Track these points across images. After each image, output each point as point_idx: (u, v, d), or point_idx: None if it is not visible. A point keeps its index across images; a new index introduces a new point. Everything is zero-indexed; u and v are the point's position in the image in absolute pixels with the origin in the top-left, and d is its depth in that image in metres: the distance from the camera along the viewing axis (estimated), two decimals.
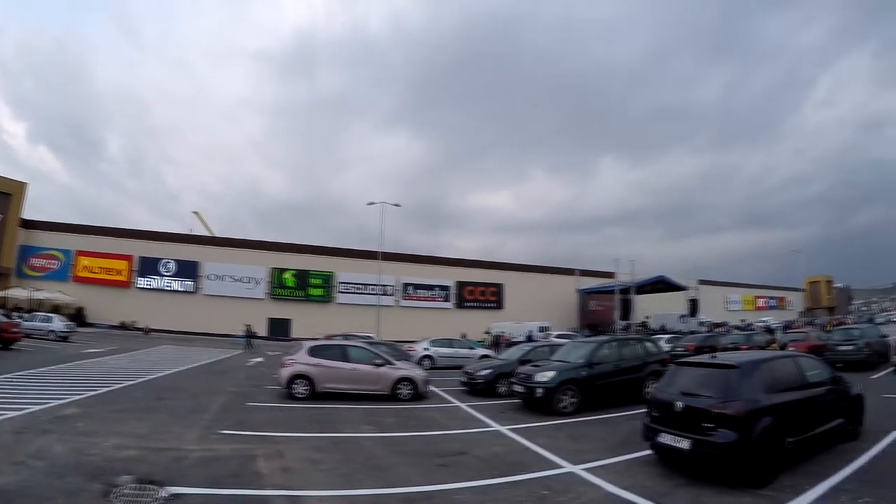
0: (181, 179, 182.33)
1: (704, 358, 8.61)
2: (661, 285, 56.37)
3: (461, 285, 60.29)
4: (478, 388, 15.67)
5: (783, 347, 13.28)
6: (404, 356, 19.95)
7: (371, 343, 19.81)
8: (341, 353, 14.66)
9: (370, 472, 7.19)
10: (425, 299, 58.21)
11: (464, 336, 32.75)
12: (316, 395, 13.55)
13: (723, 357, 8.29)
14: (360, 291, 54.28)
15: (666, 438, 7.17)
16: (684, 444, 6.85)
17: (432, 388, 15.82)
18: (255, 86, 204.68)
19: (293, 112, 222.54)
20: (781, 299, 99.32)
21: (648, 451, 7.84)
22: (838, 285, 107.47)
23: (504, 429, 10.45)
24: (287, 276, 53.34)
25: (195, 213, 77.54)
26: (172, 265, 50.95)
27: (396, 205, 45.53)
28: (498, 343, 34.56)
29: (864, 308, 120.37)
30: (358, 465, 7.53)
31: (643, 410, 8.39)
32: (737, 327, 50.25)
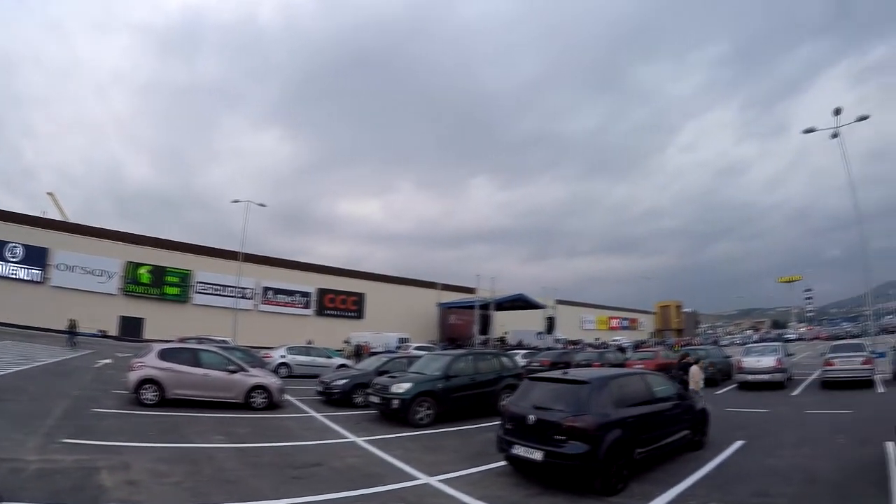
0: (41, 156, 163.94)
1: (557, 373, 9.13)
2: (520, 303, 58.96)
3: (322, 292, 58.91)
4: (334, 399, 15.58)
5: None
6: (260, 363, 19.35)
7: (226, 348, 18.97)
8: (193, 358, 13.95)
9: (220, 485, 7.03)
10: (285, 305, 56.15)
11: (310, 343, 31.97)
12: (166, 402, 12.86)
13: (574, 373, 8.91)
14: (218, 293, 51.11)
15: (520, 450, 7.54)
16: (537, 455, 7.24)
17: (288, 397, 15.60)
18: (133, 60, 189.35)
19: (168, 94, 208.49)
20: (634, 320, 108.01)
21: (503, 463, 8.28)
22: (687, 310, 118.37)
23: (360, 440, 10.56)
24: (142, 271, 48.67)
25: (50, 194, 69.57)
26: (20, 250, 44.11)
27: (262, 205, 43.70)
28: (360, 353, 34.31)
29: (710, 331, 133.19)
30: (207, 477, 7.33)
31: (497, 423, 8.74)
32: (591, 345, 53.75)
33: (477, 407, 13.75)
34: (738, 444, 10.18)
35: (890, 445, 8.71)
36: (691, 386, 13.74)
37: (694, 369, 14.02)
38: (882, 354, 22.81)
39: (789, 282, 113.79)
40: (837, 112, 28.01)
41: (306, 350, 27.05)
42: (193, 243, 53.75)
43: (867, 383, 18.75)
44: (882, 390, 17.59)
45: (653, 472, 7.99)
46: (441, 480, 7.60)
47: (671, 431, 8.86)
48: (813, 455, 9.12)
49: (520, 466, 7.97)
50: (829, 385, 19.12)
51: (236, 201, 43.11)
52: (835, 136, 28.44)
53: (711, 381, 21.12)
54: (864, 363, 19.08)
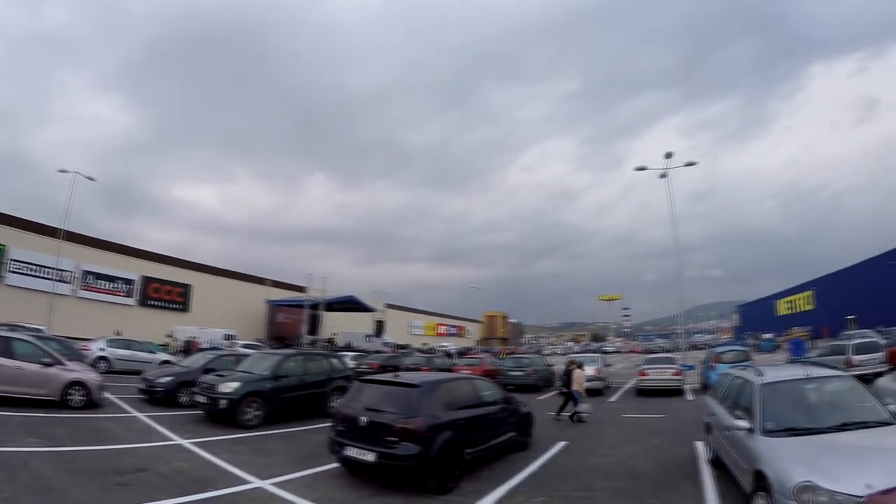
0: None
1: (388, 376, 9.16)
2: (350, 304, 58.91)
3: (147, 281, 53.14)
4: (157, 397, 14.40)
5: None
6: (77, 356, 17.38)
7: (41, 338, 16.75)
8: (5, 347, 11.99)
9: (38, 494, 6.16)
10: (107, 292, 49.66)
11: (118, 334, 29.30)
12: None
13: (405, 376, 8.96)
14: (34, 274, 43.97)
15: (352, 451, 7.47)
16: (370, 456, 7.22)
17: (108, 394, 14.14)
18: None
19: (5, 42, 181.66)
20: (461, 328, 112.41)
21: (335, 464, 8.13)
22: (513, 320, 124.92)
23: (186, 442, 9.80)
24: None
25: None
26: None
27: (91, 178, 39.17)
28: (189, 349, 32.01)
29: (534, 341, 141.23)
30: (23, 486, 6.41)
31: (328, 424, 8.67)
32: (419, 350, 54.32)
33: (306, 408, 13.48)
34: (561, 444, 10.86)
35: (699, 445, 9.66)
36: (574, 387, 14.65)
37: (577, 373, 14.91)
38: (691, 367, 25.47)
39: (609, 300, 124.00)
40: (668, 156, 31.52)
41: (127, 343, 24.86)
42: (9, 214, 46.47)
43: (678, 392, 20.92)
44: (691, 398, 19.56)
45: (483, 472, 8.32)
46: (274, 484, 7.31)
47: (499, 433, 9.33)
48: (632, 454, 9.90)
49: (353, 468, 7.91)
50: (644, 392, 21.09)
51: (63, 171, 38.07)
52: (663, 176, 31.87)
53: (534, 388, 22.69)
54: (675, 374, 21.26)
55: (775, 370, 7.83)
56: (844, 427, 5.84)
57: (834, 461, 4.91)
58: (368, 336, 57.46)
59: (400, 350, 48.75)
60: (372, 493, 7.07)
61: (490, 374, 20.78)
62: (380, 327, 58.38)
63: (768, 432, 5.84)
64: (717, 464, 8.04)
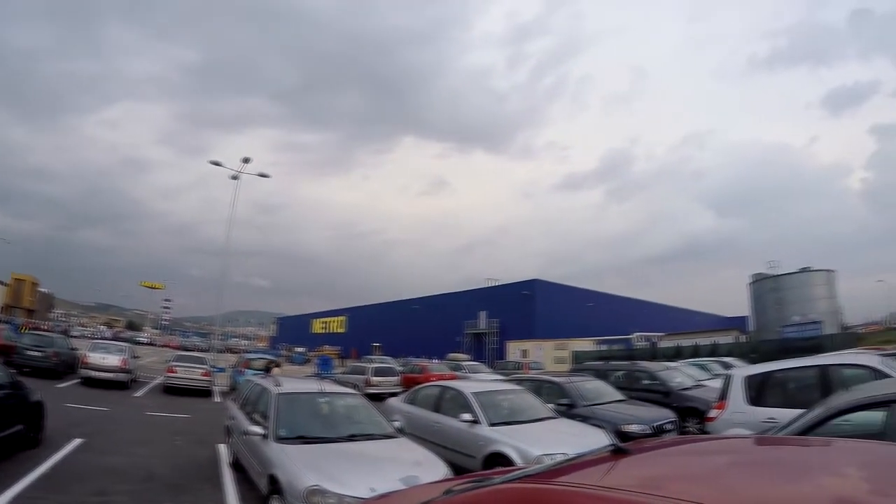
0: None
1: None
2: None
3: None
4: None
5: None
6: None
7: None
8: None
9: None
10: None
11: None
12: None
13: None
14: None
15: None
16: None
17: None
18: None
19: None
20: None
21: None
22: (44, 290, 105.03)
23: None
24: None
25: None
26: None
27: None
28: None
29: (63, 319, 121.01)
30: None
31: None
32: None
33: None
34: (78, 441, 9.92)
35: (222, 447, 9.97)
36: None
37: (275, 371, 14.74)
38: (222, 370, 26.01)
39: (152, 288, 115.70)
40: (246, 161, 32.50)
41: None
42: None
43: (206, 392, 21.07)
44: (218, 400, 19.85)
45: None
46: None
47: (3, 425, 7.86)
48: (152, 454, 9.61)
49: None
50: (172, 390, 20.42)
51: None
52: (235, 177, 32.46)
53: (54, 373, 19.99)
54: (204, 375, 21.29)
55: (293, 382, 8.76)
56: (353, 438, 6.78)
57: (342, 468, 5.62)
58: None
59: None
60: None
61: (3, 351, 17.33)
62: None
63: (281, 439, 6.41)
64: (237, 467, 8.30)
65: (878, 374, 6.77)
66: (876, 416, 4.31)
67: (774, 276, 61.55)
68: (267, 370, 16.88)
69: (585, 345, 52.04)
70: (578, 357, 41.83)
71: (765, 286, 61.26)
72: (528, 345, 55.41)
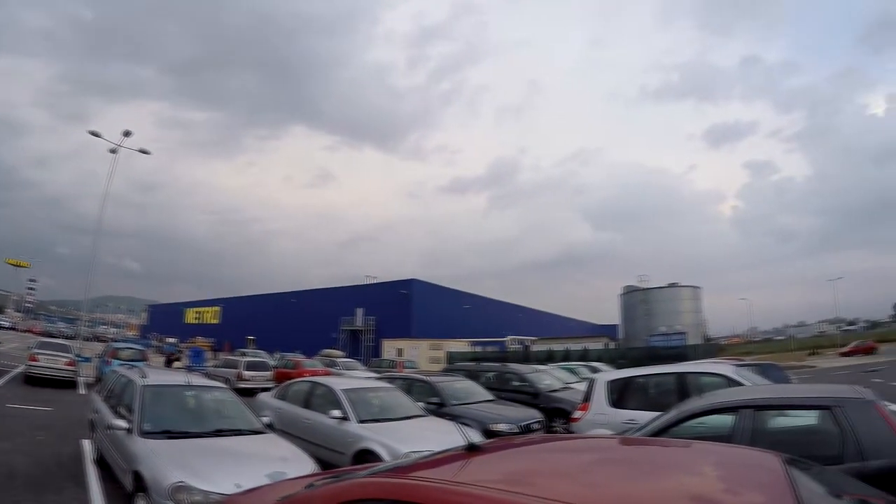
0: None
1: None
2: None
3: None
4: None
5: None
6: None
7: None
8: None
9: None
10: None
11: None
12: None
13: None
14: None
15: None
16: None
17: None
18: None
19: None
20: None
21: None
22: None
23: None
24: None
25: None
26: None
27: None
28: None
29: None
30: None
31: None
32: None
33: None
34: None
35: (86, 443, 9.70)
36: None
37: (176, 365, 13.84)
38: (88, 359, 24.74)
39: (17, 265, 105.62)
40: (126, 134, 30.96)
41: None
42: None
43: (71, 383, 20.08)
44: (84, 392, 18.94)
45: None
46: None
47: None
48: (11, 450, 9.26)
49: None
50: (34, 381, 19.29)
51: None
52: (113, 151, 30.86)
53: None
54: (69, 364, 20.24)
55: (160, 374, 8.57)
56: (220, 433, 6.71)
57: (208, 463, 5.57)
58: None
59: None
60: None
61: None
62: None
63: (146, 434, 6.20)
64: (102, 463, 7.94)
65: (731, 382, 7.65)
66: (726, 420, 4.82)
67: (644, 288, 66.33)
68: (168, 363, 16.32)
69: (460, 346, 53.76)
70: (452, 357, 43.40)
71: (635, 297, 65.78)
72: (403, 343, 55.93)
